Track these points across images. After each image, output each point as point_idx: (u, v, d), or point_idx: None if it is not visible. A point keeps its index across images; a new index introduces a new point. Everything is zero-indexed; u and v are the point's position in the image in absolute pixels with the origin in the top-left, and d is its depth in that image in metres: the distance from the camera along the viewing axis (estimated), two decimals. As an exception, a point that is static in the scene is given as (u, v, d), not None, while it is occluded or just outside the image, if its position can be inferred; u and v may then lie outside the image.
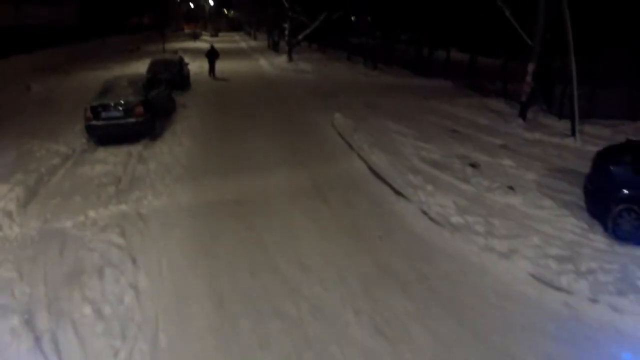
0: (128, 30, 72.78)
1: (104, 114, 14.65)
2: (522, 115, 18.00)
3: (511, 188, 10.90)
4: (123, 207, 10.19)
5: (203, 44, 60.96)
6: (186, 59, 42.02)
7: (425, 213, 9.92)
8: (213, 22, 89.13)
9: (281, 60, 37.72)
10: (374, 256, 8.44)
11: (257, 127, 17.18)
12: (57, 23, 49.51)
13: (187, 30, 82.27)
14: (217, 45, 57.32)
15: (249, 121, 18.07)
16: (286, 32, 38.73)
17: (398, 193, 11.01)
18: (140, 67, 32.13)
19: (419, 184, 11.25)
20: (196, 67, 35.28)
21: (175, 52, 45.50)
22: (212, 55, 31.04)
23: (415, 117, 18.87)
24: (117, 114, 14.67)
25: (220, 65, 33.81)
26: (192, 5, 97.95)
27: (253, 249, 8.66)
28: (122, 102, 14.73)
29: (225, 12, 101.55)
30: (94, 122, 14.67)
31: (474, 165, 12.58)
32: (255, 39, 66.72)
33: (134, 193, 10.88)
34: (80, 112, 15.31)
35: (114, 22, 67.86)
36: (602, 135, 15.58)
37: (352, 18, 37.90)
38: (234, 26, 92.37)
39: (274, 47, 48.14)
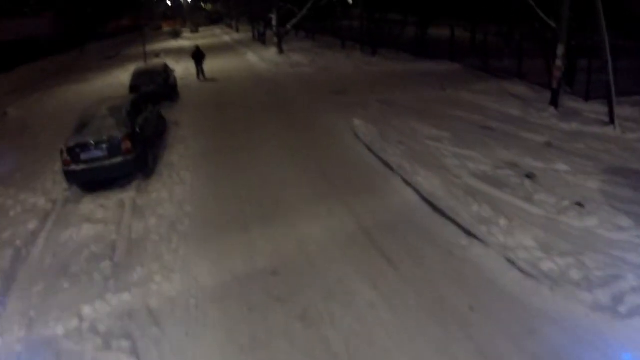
0: (107, 34, 69.46)
1: (83, 156, 11.80)
2: (554, 103, 16.01)
3: (580, 205, 9.13)
4: (126, 296, 7.47)
5: (185, 42, 57.71)
6: (170, 62, 39.33)
7: (511, 262, 7.51)
8: (192, 17, 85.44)
9: (271, 53, 34.72)
10: (475, 341, 6.12)
11: (266, 143, 14.43)
12: (33, 36, 46.74)
13: (165, 29, 78.64)
14: (199, 42, 54.41)
15: (256, 136, 15.30)
16: (273, 23, 35.65)
17: (468, 232, 8.43)
18: (121, 76, 29.35)
19: (488, 216, 8.88)
20: (182, 69, 32.27)
21: (157, 54, 42.53)
22: (198, 56, 28.46)
23: (440, 113, 16.34)
24: (99, 153, 11.83)
25: (208, 65, 30.85)
26: (169, 2, 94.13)
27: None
28: (105, 138, 11.87)
29: (203, 6, 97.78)
30: (73, 167, 11.83)
31: (529, 176, 10.60)
32: (237, 31, 63.26)
33: (136, 270, 8.13)
34: (62, 142, 12.50)
35: (91, 28, 64.75)
36: (636, 118, 14.41)
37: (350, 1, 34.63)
38: (213, 20, 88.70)
39: (260, 39, 44.95)
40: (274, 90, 22.36)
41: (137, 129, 12.66)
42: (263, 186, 11.33)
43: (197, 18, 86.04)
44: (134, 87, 21.13)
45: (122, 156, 11.88)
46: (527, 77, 19.91)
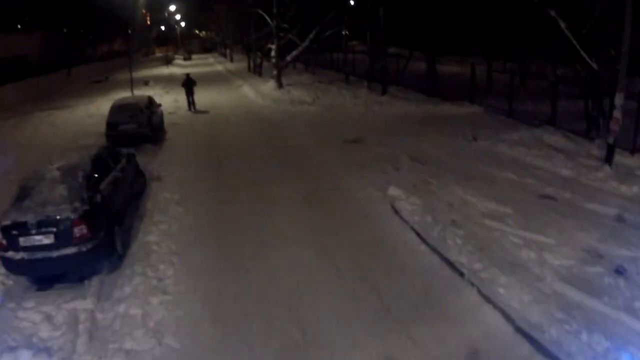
0: (98, 57, 65.88)
1: (23, 241, 8.02)
2: (609, 160, 13.09)
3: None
4: None
5: (177, 69, 54.15)
6: (159, 91, 35.65)
7: None
8: (185, 44, 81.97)
9: (269, 87, 31.14)
10: None
11: (275, 220, 10.68)
12: (20, 55, 43.30)
13: (158, 54, 75.18)
14: (191, 70, 50.83)
15: (262, 206, 11.53)
16: (272, 54, 32.14)
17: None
18: (105, 106, 25.53)
19: (603, 350, 6.18)
20: (170, 101, 28.63)
21: (146, 82, 38.86)
22: (189, 84, 25.40)
23: (485, 174, 12.94)
24: (44, 240, 8.03)
25: (200, 99, 27.28)
26: (162, 28, 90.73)
27: None
28: (51, 219, 8.09)
29: (197, 32, 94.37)
30: (11, 254, 8.09)
31: (620, 272, 7.96)
32: (231, 60, 59.72)
33: None
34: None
35: (81, 50, 61.29)
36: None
37: (344, 33, 31.30)
38: (206, 47, 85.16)
39: (256, 70, 41.37)
40: (277, 136, 18.66)
41: (100, 200, 8.86)
42: (282, 304, 7.54)
43: (190, 45, 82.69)
44: (111, 125, 17.42)
45: (75, 246, 8.09)
46: (556, 122, 17.64)
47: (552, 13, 15.59)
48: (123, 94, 32.98)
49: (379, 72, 27.56)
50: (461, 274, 8.00)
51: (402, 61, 29.93)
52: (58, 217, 8.02)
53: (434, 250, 8.85)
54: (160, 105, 20.47)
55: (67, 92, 39.42)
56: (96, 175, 9.29)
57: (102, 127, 17.73)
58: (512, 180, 12.45)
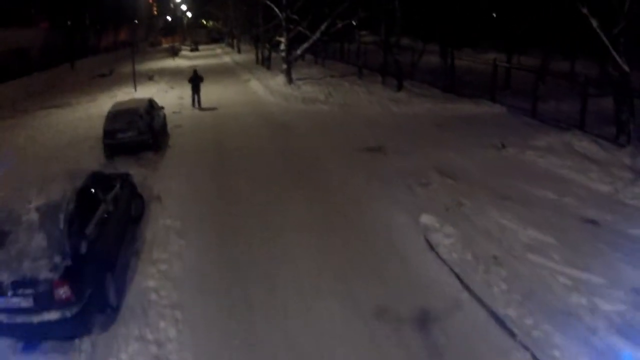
0: (103, 49, 64.21)
1: (-2, 302, 6.56)
2: None
3: None
4: None
5: (183, 61, 52.43)
6: (164, 86, 34.03)
7: None
8: (192, 34, 79.99)
9: (278, 81, 29.42)
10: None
11: (290, 256, 9.17)
12: (24, 48, 41.86)
13: (165, 45, 73.38)
14: (198, 62, 49.33)
15: (274, 236, 9.99)
16: (282, 47, 30.37)
17: None
18: (107, 105, 24.03)
19: None
20: (175, 98, 27.04)
21: (150, 76, 37.26)
22: (195, 80, 24.05)
23: (520, 192, 11.48)
24: (22, 303, 6.57)
25: (206, 93, 25.70)
26: (169, 18, 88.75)
27: None
28: (27, 279, 6.57)
29: (204, 22, 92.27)
30: (-19, 315, 6.63)
31: None
32: (239, 51, 57.81)
33: None
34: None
35: (85, 42, 59.69)
36: None
37: (354, 23, 29.46)
38: (214, 38, 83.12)
39: (264, 63, 39.55)
40: (289, 142, 16.99)
41: (86, 251, 7.30)
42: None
43: (197, 35, 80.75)
44: (108, 132, 15.86)
45: (57, 310, 6.61)
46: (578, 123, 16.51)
47: (584, 10, 14.49)
48: (127, 90, 31.57)
49: (393, 66, 25.79)
50: (512, 334, 6.58)
51: (415, 54, 28.16)
52: (36, 278, 6.51)
53: (479, 301, 7.43)
54: (162, 108, 18.87)
55: (70, 87, 37.95)
56: (82, 216, 7.69)
57: (101, 131, 16.19)
58: (550, 200, 11.04)
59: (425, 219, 9.84)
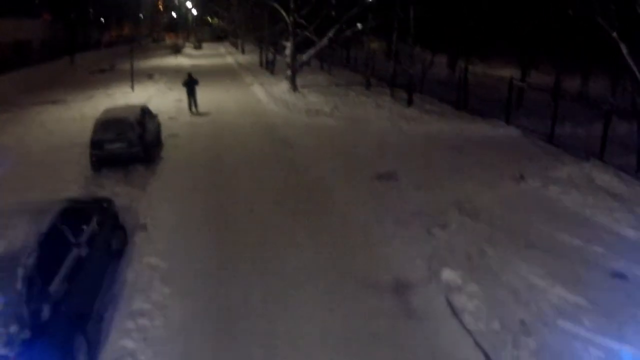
0: (106, 43, 62.68)
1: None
2: None
3: None
4: None
5: (186, 60, 50.93)
6: (162, 87, 32.49)
7: None
8: (196, 32, 78.34)
9: (282, 88, 27.94)
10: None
11: (292, 318, 7.64)
12: (24, 40, 40.45)
13: (168, 41, 71.74)
14: (200, 62, 47.84)
15: (274, 288, 8.46)
16: (287, 52, 28.92)
17: None
18: (102, 104, 22.80)
19: None
20: (173, 101, 25.55)
21: (150, 75, 35.76)
22: (190, 84, 22.81)
23: (545, 237, 10.03)
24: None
25: (206, 97, 24.27)
26: (174, 14, 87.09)
27: None
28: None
29: (210, 20, 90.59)
30: None
31: None
32: (243, 52, 56.23)
33: None
34: None
35: (88, 36, 58.26)
36: None
37: (359, 27, 27.92)
38: (218, 36, 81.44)
39: (268, 67, 38.00)
40: (293, 163, 15.43)
41: (50, 315, 5.80)
42: None
43: (201, 33, 79.14)
44: (96, 144, 14.39)
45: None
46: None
47: (614, 34, 13.46)
48: (124, 90, 30.06)
49: (401, 78, 24.37)
50: None
51: (421, 64, 26.71)
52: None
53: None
54: (156, 115, 17.37)
55: (68, 82, 36.35)
56: (46, 271, 6.20)
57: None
58: (576, 248, 9.60)
59: (447, 274, 8.38)
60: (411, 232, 10.26)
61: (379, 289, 8.32)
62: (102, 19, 60.98)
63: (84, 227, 7.83)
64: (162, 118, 21.30)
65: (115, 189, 13.02)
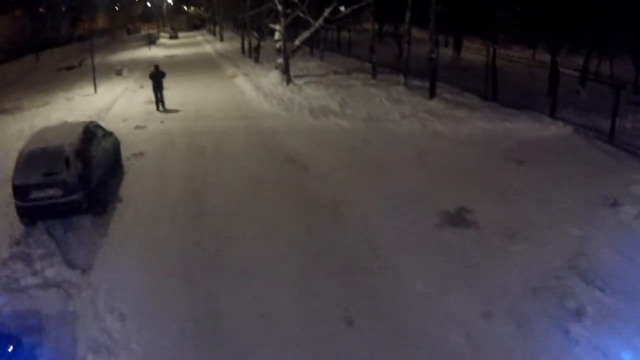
0: (77, 37, 56.17)
1: None
2: None
3: None
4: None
5: (161, 50, 44.77)
6: (132, 84, 26.61)
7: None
8: (172, 20, 71.45)
9: (273, 80, 22.33)
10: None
11: None
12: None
13: (143, 32, 65.08)
14: (175, 52, 41.76)
15: None
16: (276, 37, 23.28)
17: None
18: (58, 112, 17.51)
19: None
20: (142, 103, 20.04)
21: (118, 71, 29.88)
22: (157, 77, 18.13)
23: None
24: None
25: (183, 94, 18.86)
26: (149, 4, 79.89)
27: None
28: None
29: (185, 8, 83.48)
30: None
31: None
32: (221, 39, 49.85)
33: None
34: None
35: (57, 30, 52.07)
36: None
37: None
38: (195, 25, 74.56)
39: (252, 54, 32.05)
40: (307, 197, 10.07)
41: None
42: None
43: (177, 22, 72.39)
44: (19, 190, 8.94)
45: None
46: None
47: None
48: (86, 91, 24.23)
49: (404, 63, 19.00)
50: None
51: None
52: None
53: None
54: (111, 134, 11.85)
55: (29, 83, 30.46)
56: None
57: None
58: None
59: None
60: (538, 335, 5.40)
61: None
62: (74, 14, 54.30)
63: None
64: (127, 127, 15.87)
65: (46, 272, 7.66)
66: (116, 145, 11.90)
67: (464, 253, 7.51)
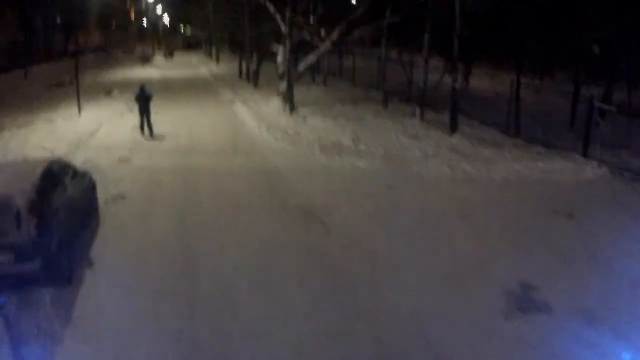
0: (71, 53, 54.00)
1: None
2: None
3: None
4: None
5: (155, 70, 42.52)
6: (122, 107, 24.23)
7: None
8: (167, 41, 69.38)
9: (274, 108, 20.14)
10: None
11: None
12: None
13: (139, 50, 62.94)
14: (171, 73, 39.49)
15: None
16: (279, 60, 21.12)
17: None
18: (40, 133, 15.29)
19: None
20: (130, 130, 17.68)
21: (108, 91, 27.66)
22: (143, 98, 16.02)
23: None
24: None
25: (176, 121, 16.73)
26: (145, 23, 77.83)
27: None
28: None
29: (182, 28, 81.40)
30: None
31: None
32: (217, 61, 47.58)
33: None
34: None
35: (50, 44, 50.20)
36: None
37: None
38: (190, 44, 72.52)
39: (250, 79, 29.79)
40: (332, 271, 7.77)
41: None
42: None
43: (173, 41, 70.36)
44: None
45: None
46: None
47: None
48: (71, 112, 21.84)
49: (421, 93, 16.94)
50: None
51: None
52: None
53: None
54: (84, 175, 9.46)
55: (12, 101, 27.82)
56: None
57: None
58: None
59: None
60: None
61: None
62: (73, 30, 52.23)
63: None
64: (109, 159, 13.52)
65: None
66: (90, 189, 9.52)
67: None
